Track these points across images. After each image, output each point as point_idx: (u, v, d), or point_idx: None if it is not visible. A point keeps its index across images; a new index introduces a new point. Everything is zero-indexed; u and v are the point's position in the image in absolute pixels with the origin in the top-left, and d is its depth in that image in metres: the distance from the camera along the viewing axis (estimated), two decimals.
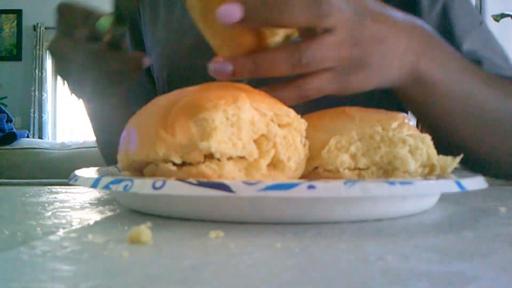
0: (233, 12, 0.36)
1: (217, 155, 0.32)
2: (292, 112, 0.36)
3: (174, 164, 0.33)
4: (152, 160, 0.34)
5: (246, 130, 0.34)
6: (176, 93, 0.36)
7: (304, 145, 0.37)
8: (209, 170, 0.32)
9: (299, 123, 0.36)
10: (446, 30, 0.64)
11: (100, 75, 0.53)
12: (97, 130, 0.81)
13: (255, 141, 0.34)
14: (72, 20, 0.53)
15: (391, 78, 0.45)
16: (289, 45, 0.38)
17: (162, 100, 0.36)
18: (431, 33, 0.48)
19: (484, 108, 0.54)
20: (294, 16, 0.36)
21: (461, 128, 0.53)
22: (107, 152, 0.82)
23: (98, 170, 0.45)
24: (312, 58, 0.38)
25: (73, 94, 0.59)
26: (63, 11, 0.54)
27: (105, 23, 0.52)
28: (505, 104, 0.56)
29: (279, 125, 0.35)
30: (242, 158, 0.34)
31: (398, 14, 0.44)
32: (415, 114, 0.54)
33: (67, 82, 0.57)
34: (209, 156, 0.33)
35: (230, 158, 0.33)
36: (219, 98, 0.33)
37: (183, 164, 0.33)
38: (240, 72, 0.39)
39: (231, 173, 0.33)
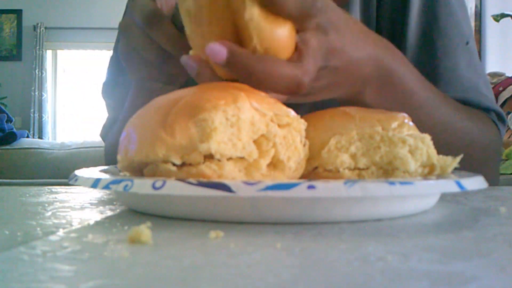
0: (219, 54, 0.37)
1: (217, 156, 0.32)
2: (291, 112, 0.36)
3: (174, 164, 0.33)
4: (151, 161, 0.34)
5: (246, 130, 0.34)
6: (175, 94, 0.36)
7: (304, 145, 0.37)
8: (209, 170, 0.32)
9: (299, 123, 0.36)
10: (428, 44, 0.64)
11: (155, 49, 0.50)
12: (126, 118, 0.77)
13: (255, 141, 0.34)
14: None
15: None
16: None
17: (161, 101, 0.36)
18: (392, 65, 0.50)
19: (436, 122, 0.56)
20: (272, 87, 0.38)
21: None
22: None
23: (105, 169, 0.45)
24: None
25: (125, 64, 0.56)
26: None
27: None
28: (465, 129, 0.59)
29: (279, 125, 0.35)
30: (242, 158, 0.34)
31: (365, 50, 0.46)
32: None
33: (125, 41, 0.54)
34: (209, 157, 0.33)
35: (230, 159, 0.33)
36: (219, 98, 0.33)
37: (183, 164, 0.33)
38: (199, 79, 0.40)
39: (231, 173, 0.33)
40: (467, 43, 0.66)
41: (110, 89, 0.84)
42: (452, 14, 0.65)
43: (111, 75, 0.85)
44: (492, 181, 0.65)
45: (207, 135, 0.32)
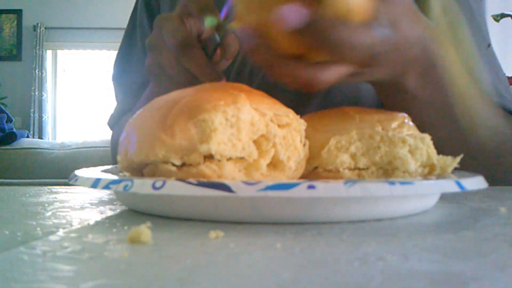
0: (296, 16, 0.34)
1: (217, 157, 0.32)
2: (291, 113, 0.36)
3: (174, 165, 0.33)
4: (151, 162, 0.34)
5: (245, 131, 0.34)
6: (175, 94, 0.36)
7: (304, 145, 0.37)
8: (209, 170, 0.32)
9: (298, 123, 0.36)
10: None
11: (183, 71, 0.50)
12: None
13: (254, 141, 0.34)
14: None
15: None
16: (307, 66, 0.38)
17: (161, 101, 0.36)
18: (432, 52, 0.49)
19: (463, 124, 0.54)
20: (347, 56, 0.36)
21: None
22: None
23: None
24: (323, 84, 0.38)
25: (148, 68, 0.55)
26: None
27: (209, 22, 0.49)
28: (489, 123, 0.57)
29: (279, 126, 0.35)
30: (242, 158, 0.34)
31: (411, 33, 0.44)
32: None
33: (153, 58, 0.53)
34: (209, 157, 0.33)
35: (229, 159, 0.33)
36: (218, 99, 0.33)
37: (183, 164, 0.33)
38: (255, 54, 0.38)
39: (231, 174, 0.33)
40: (489, 45, 0.65)
41: (120, 75, 0.84)
42: (473, 18, 0.65)
43: (121, 62, 0.85)
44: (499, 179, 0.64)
45: (207, 136, 0.32)
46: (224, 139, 0.33)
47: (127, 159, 0.36)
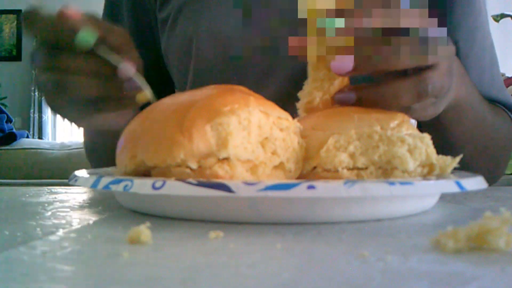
0: (346, 64, 0.39)
1: (233, 160, 0.33)
2: (289, 116, 0.37)
3: (187, 166, 0.33)
4: (168, 165, 0.33)
5: (254, 133, 0.34)
6: (186, 97, 0.36)
7: (301, 146, 0.38)
8: (221, 171, 0.32)
9: (295, 127, 0.37)
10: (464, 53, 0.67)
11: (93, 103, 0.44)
12: (92, 143, 0.75)
13: (259, 143, 0.35)
14: (45, 33, 0.43)
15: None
16: (410, 77, 0.41)
17: (173, 104, 0.36)
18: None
19: (484, 126, 0.60)
20: (402, 62, 0.40)
21: (462, 136, 0.59)
22: (95, 157, 0.76)
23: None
24: (435, 88, 0.41)
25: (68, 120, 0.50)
26: (29, 22, 0.42)
27: (87, 37, 0.41)
28: (497, 123, 0.63)
29: (279, 129, 0.36)
30: (248, 159, 0.34)
31: None
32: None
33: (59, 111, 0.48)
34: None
35: (238, 160, 0.34)
36: (233, 102, 0.33)
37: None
38: (364, 101, 0.42)
39: (241, 174, 0.33)
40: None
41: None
42: (483, 22, 0.68)
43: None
44: (502, 171, 0.68)
45: (223, 140, 0.32)
46: (237, 141, 0.33)
47: (135, 163, 0.35)
